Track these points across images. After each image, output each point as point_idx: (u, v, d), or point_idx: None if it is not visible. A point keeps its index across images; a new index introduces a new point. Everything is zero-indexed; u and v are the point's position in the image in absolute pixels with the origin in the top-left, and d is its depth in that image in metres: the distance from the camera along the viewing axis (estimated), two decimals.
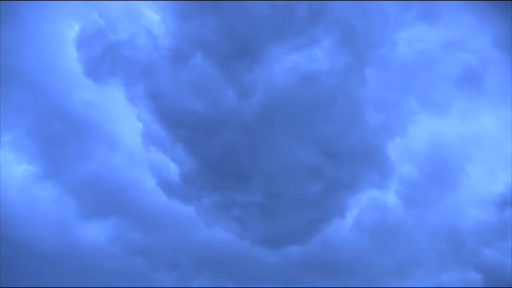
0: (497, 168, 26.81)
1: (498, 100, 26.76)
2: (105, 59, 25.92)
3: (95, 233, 25.69)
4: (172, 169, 26.23)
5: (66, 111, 25.92)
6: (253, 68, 25.10)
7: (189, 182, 25.75)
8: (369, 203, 27.13)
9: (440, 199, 26.78)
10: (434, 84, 27.60)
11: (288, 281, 25.79)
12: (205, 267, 26.20)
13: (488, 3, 24.78)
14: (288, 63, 25.63)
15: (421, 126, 26.82)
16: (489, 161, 26.93)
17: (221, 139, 25.42)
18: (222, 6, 24.79)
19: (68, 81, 26.38)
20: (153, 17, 26.41)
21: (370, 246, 26.23)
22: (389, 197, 26.89)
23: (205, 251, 26.04)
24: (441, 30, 27.09)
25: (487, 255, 24.72)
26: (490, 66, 26.29)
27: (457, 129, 26.58)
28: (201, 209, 25.95)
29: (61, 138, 25.93)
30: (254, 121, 25.17)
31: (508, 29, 25.02)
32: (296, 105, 25.67)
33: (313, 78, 25.33)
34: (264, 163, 25.90)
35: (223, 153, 25.48)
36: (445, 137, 26.72)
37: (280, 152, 25.91)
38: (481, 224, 25.44)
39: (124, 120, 26.99)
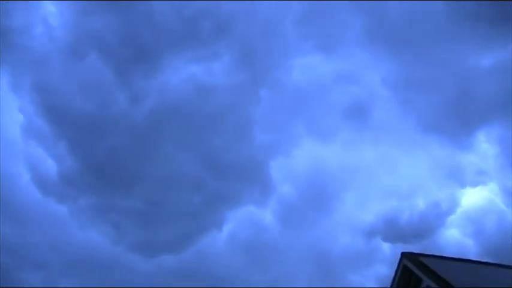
0: (370, 199, 28.28)
1: (380, 135, 28.14)
2: None
3: None
4: (50, 166, 25.39)
5: None
6: (149, 75, 24.88)
7: (67, 181, 24.99)
8: (246, 219, 27.68)
9: (315, 222, 27.62)
10: (323, 112, 28.65)
11: None
12: (75, 269, 25.45)
13: (381, 42, 25.94)
14: (185, 74, 25.56)
15: (305, 150, 27.65)
16: (364, 191, 28.30)
17: (107, 142, 24.88)
18: (128, 8, 24.14)
19: None
20: (51, 8, 25.46)
21: (243, 262, 26.58)
22: (266, 215, 27.49)
23: (76, 253, 25.26)
24: (335, 62, 28.08)
25: (352, 280, 25.37)
26: (377, 102, 27.52)
27: (339, 158, 27.45)
28: (76, 210, 25.29)
29: None
30: (143, 127, 24.93)
31: (397, 70, 26.40)
32: (188, 116, 25.65)
33: (208, 91, 25.44)
34: (149, 170, 25.77)
35: (108, 156, 25.02)
36: (326, 164, 27.44)
37: (166, 160, 25.83)
38: (349, 250, 26.23)
39: (5, 110, 25.60)
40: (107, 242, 25.41)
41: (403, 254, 10.20)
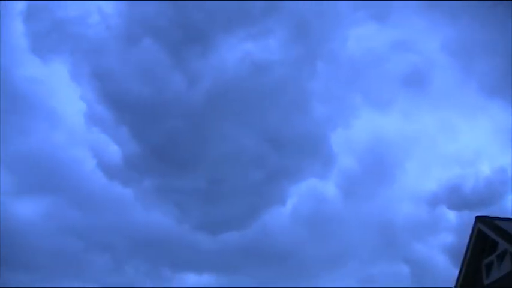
0: (433, 167, 27.89)
1: (440, 102, 27.64)
2: (52, 35, 25.15)
3: (29, 209, 25.13)
4: (114, 151, 25.87)
5: (9, 86, 24.73)
6: (204, 56, 24.97)
7: (131, 165, 25.51)
8: (308, 192, 27.56)
9: (377, 193, 27.32)
10: (380, 82, 28.17)
11: (225, 266, 26.15)
12: (141, 250, 26.01)
13: (438, 9, 25.25)
14: (239, 52, 25.46)
15: (364, 120, 27.28)
16: (426, 160, 27.86)
17: (166, 124, 25.28)
18: None
19: (12, 56, 25.44)
20: None
21: (307, 236, 26.56)
22: (329, 187, 27.30)
23: (142, 234, 25.73)
24: (390, 30, 27.91)
25: (417, 249, 25.19)
26: (436, 69, 27.03)
27: (398, 127, 27.31)
28: (141, 192, 25.79)
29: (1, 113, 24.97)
30: (201, 108, 25.06)
31: (456, 35, 25.67)
32: (245, 93, 25.62)
33: (264, 67, 25.29)
34: (209, 150, 25.94)
35: (168, 138, 25.36)
36: (386, 133, 27.23)
37: (226, 139, 25.92)
38: (413, 220, 25.84)
39: (67, 99, 26.53)
40: (171, 222, 26.01)
41: (477, 218, 10.01)
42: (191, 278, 26.08)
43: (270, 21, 25.14)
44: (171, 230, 25.63)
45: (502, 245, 9.29)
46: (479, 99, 26.95)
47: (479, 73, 25.37)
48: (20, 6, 24.81)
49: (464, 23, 24.82)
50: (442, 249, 24.38)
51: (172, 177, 25.90)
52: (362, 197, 27.50)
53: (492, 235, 9.44)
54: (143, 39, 24.42)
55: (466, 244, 10.23)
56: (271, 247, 26.22)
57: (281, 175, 26.72)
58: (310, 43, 26.00)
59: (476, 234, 9.94)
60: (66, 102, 26.33)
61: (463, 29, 25.17)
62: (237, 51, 25.35)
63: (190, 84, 24.72)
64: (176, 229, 25.73)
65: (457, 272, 10.52)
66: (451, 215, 25.23)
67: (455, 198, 24.69)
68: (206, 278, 26.09)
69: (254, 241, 26.19)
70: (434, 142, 27.28)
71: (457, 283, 10.44)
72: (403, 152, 27.33)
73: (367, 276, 24.81)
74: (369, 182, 27.33)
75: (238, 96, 25.49)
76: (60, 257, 24.25)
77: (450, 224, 24.93)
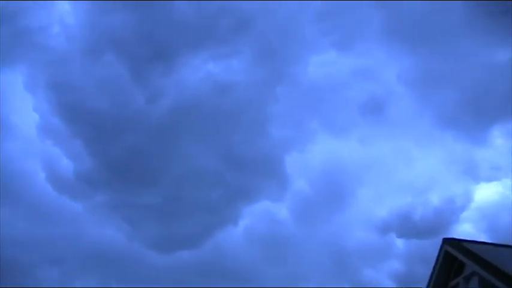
0: (385, 194, 28.32)
1: (396, 131, 28.30)
2: (9, 43, 24.27)
3: None
4: (66, 164, 25.39)
5: None
6: (167, 74, 24.90)
7: (83, 180, 24.98)
8: (262, 214, 27.65)
9: (329, 218, 27.61)
10: (339, 108, 28.71)
11: (176, 285, 25.81)
12: (91, 265, 25.38)
13: (398, 40, 26.02)
14: (203, 72, 25.67)
15: (321, 145, 27.63)
16: (379, 187, 28.36)
17: (124, 140, 24.94)
18: (145, 6, 24.15)
19: None
20: (67, 7, 25.56)
21: (259, 256, 26.52)
22: (282, 210, 27.46)
23: (91, 249, 25.19)
24: (351, 58, 28.27)
25: (366, 274, 25.44)
26: (393, 98, 27.47)
27: (354, 153, 27.49)
28: (92, 207, 25.30)
29: None
30: (160, 125, 24.98)
31: (414, 66, 26.43)
32: (206, 113, 25.70)
33: (226, 88, 25.48)
34: (167, 167, 25.82)
35: (125, 154, 24.99)
36: (342, 159, 27.46)
37: (184, 157, 25.84)
38: (363, 245, 26.17)
39: (20, 109, 25.92)
40: (122, 238, 25.47)
41: (444, 240, 10.19)
42: None
43: (236, 43, 25.45)
44: (122, 246, 25.21)
45: (470, 267, 9.48)
46: (433, 129, 27.41)
47: (434, 104, 26.28)
48: None
49: (422, 54, 25.67)
50: (389, 275, 24.93)
51: (127, 193, 25.47)
52: (315, 221, 27.79)
53: (460, 257, 9.61)
54: (105, 53, 24.29)
55: (431, 267, 10.35)
56: (224, 266, 26.16)
57: (236, 195, 26.83)
58: (274, 67, 26.38)
59: (443, 256, 10.12)
60: (18, 112, 25.57)
61: (421, 60, 25.86)
62: (201, 71, 25.60)
63: (151, 101, 24.68)
64: (127, 245, 25.31)
65: None
66: (400, 243, 25.88)
67: (404, 226, 25.29)
68: None
69: (207, 259, 26.01)
70: (388, 169, 27.91)
71: None
72: (357, 178, 27.85)
73: None
74: (322, 207, 27.62)
75: (198, 115, 25.62)
76: (7, 270, 23.50)
77: (398, 251, 25.56)
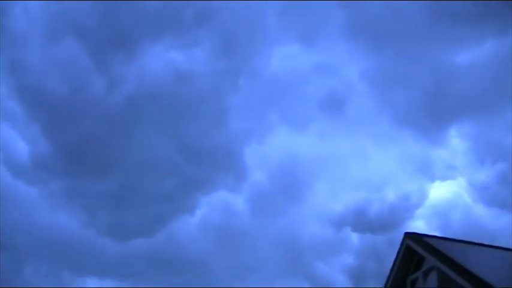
0: (341, 189, 28.78)
1: (354, 128, 28.59)
2: None
3: None
4: (22, 148, 24.89)
5: None
6: (128, 61, 24.46)
7: (39, 164, 24.49)
8: (218, 204, 27.75)
9: (285, 210, 28.04)
10: (299, 102, 29.04)
11: (129, 273, 25.61)
12: (42, 252, 25.02)
13: (362, 39, 26.35)
14: (164, 60, 25.38)
15: (280, 138, 27.93)
16: (335, 182, 28.94)
17: (81, 126, 24.47)
18: None
19: None
20: None
21: (213, 247, 26.59)
22: (239, 201, 27.67)
23: (45, 235, 24.83)
24: (314, 53, 28.53)
25: (319, 268, 25.87)
26: (354, 95, 27.99)
27: (312, 147, 27.81)
28: (47, 193, 24.84)
29: None
30: (119, 113, 24.58)
31: (375, 65, 26.86)
32: (165, 102, 25.43)
33: (187, 77, 25.25)
34: (123, 155, 25.40)
35: (82, 140, 24.53)
36: (300, 153, 27.79)
37: (141, 146, 25.53)
38: (317, 239, 26.63)
39: None
40: (77, 225, 25.03)
41: (406, 234, 10.34)
42: (92, 283, 25.59)
43: (200, 32, 25.21)
44: (76, 233, 24.78)
45: (429, 261, 9.68)
46: (391, 128, 28.09)
47: (393, 103, 26.73)
48: None
49: (384, 54, 25.99)
50: (342, 269, 25.39)
51: (83, 179, 25.12)
52: (270, 213, 28.05)
53: (420, 251, 9.79)
54: (66, 37, 23.63)
55: (392, 261, 10.50)
56: (178, 256, 26.26)
57: (193, 185, 26.74)
58: (236, 58, 26.32)
59: (404, 251, 10.29)
60: None
61: (383, 60, 26.19)
62: (162, 59, 25.32)
63: (110, 87, 24.24)
64: (81, 233, 24.91)
65: None
66: (354, 237, 26.32)
67: (359, 221, 25.78)
68: (108, 283, 25.54)
69: (161, 249, 26.00)
70: (345, 165, 28.30)
71: None
72: (314, 172, 28.28)
73: None
74: (278, 199, 27.85)
75: (158, 103, 25.33)
76: None
77: (352, 246, 26.01)
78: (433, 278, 9.71)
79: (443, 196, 26.57)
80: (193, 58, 25.20)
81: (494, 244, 11.26)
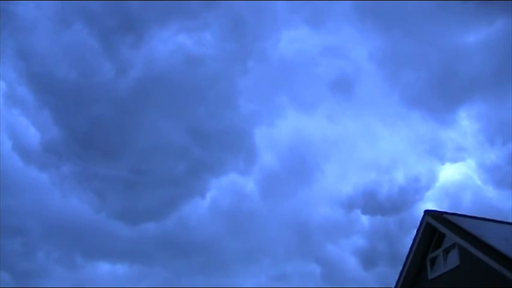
0: (351, 171, 28.74)
1: (363, 109, 28.56)
2: None
3: None
4: (33, 134, 24.99)
5: None
6: (136, 45, 24.37)
7: (50, 150, 24.50)
8: (229, 186, 27.75)
9: (295, 192, 27.98)
10: (308, 84, 28.83)
11: (140, 257, 25.76)
12: (54, 237, 25.23)
13: (370, 20, 26.20)
14: (173, 44, 25.25)
15: (289, 120, 27.81)
16: (345, 164, 28.77)
17: (92, 111, 24.51)
18: None
19: None
20: None
21: (224, 230, 26.73)
22: (249, 183, 27.58)
23: (57, 220, 25.00)
24: (323, 35, 28.35)
25: (329, 250, 25.96)
26: (362, 77, 27.94)
27: (321, 130, 27.85)
28: (58, 178, 24.88)
29: None
30: (128, 97, 24.57)
31: (384, 46, 26.72)
32: (174, 86, 25.40)
33: (195, 61, 25.10)
34: (134, 139, 25.46)
35: (92, 125, 24.61)
36: (309, 135, 27.77)
37: (151, 130, 25.56)
38: (328, 221, 26.62)
39: None
40: (89, 209, 25.16)
41: (426, 211, 10.37)
42: (104, 267, 25.95)
43: (208, 16, 25.09)
44: (87, 217, 24.94)
45: (450, 238, 9.72)
46: (400, 109, 28.07)
47: (402, 84, 26.63)
48: None
49: (393, 35, 25.83)
50: (353, 251, 25.48)
51: (94, 164, 25.03)
52: (280, 196, 28.09)
53: (441, 228, 9.80)
54: (75, 23, 23.67)
55: (412, 239, 10.53)
56: (188, 239, 26.31)
57: (203, 168, 26.76)
58: (244, 41, 26.08)
59: (425, 228, 10.28)
60: None
61: (392, 41, 26.09)
62: (170, 43, 25.20)
63: (119, 72, 24.15)
64: (93, 217, 25.05)
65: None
66: (364, 219, 26.34)
67: (369, 203, 25.76)
68: (119, 267, 25.87)
69: (171, 232, 26.20)
70: (354, 147, 28.22)
71: (400, 276, 10.78)
72: (323, 154, 28.18)
73: (279, 274, 25.53)
74: (288, 181, 27.89)
75: (167, 87, 25.33)
76: None
77: (362, 228, 26.05)
78: (454, 255, 9.73)
79: (453, 178, 26.62)
80: (202, 41, 25.12)
81: None
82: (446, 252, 10.03)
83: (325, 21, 27.00)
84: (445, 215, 10.11)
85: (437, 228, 10.03)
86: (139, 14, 23.78)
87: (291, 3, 25.30)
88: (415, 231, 10.48)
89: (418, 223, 10.43)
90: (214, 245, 26.08)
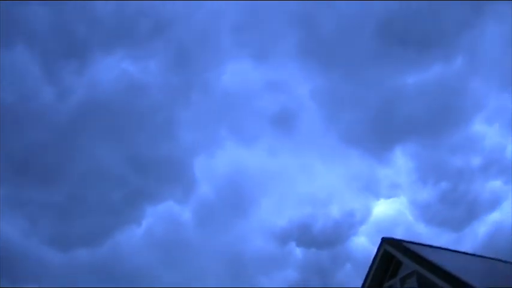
0: (287, 205, 29.12)
1: (303, 144, 29.13)
2: None
3: None
4: None
5: None
6: (80, 71, 24.22)
7: None
8: (164, 215, 27.69)
9: (231, 224, 28.00)
10: (249, 117, 29.30)
11: (70, 283, 24.82)
12: None
13: (314, 59, 26.93)
14: (117, 71, 25.24)
15: (228, 152, 28.17)
16: (281, 197, 29.27)
17: (29, 135, 23.86)
18: (63, 1, 23.29)
19: None
20: None
21: (157, 258, 26.26)
22: (185, 213, 27.82)
23: None
24: (266, 71, 29.14)
25: (262, 282, 25.97)
26: (303, 113, 28.78)
27: (260, 162, 28.25)
28: None
29: None
30: (68, 122, 24.21)
31: (326, 85, 27.56)
32: (115, 113, 25.14)
33: (137, 89, 25.27)
34: (72, 165, 24.86)
35: (29, 149, 23.82)
36: (247, 167, 28.17)
37: (89, 156, 25.10)
38: (262, 254, 26.87)
39: None
40: (19, 235, 24.30)
41: (383, 239, 10.52)
42: None
43: (153, 45, 25.42)
44: (17, 242, 23.90)
45: (407, 266, 9.89)
46: (339, 146, 28.81)
47: (342, 123, 27.54)
48: None
49: (335, 75, 26.85)
50: (285, 283, 25.60)
51: (28, 189, 24.27)
52: (216, 226, 27.96)
53: (399, 256, 9.98)
54: (17, 44, 23.30)
55: (369, 265, 10.66)
56: (122, 267, 25.71)
57: (140, 196, 26.50)
58: (189, 71, 26.56)
59: (381, 256, 10.45)
60: None
61: (333, 80, 27.08)
62: (115, 70, 25.19)
63: (60, 97, 23.97)
64: (23, 242, 24.17)
65: None
66: (298, 252, 26.70)
67: (304, 236, 26.18)
68: None
69: (105, 259, 25.56)
70: (292, 181, 28.94)
71: None
72: (261, 187, 28.61)
73: None
74: (225, 212, 27.95)
75: (108, 114, 25.02)
76: None
77: (297, 260, 26.34)
78: (412, 283, 9.87)
79: (386, 213, 27.61)
80: (146, 70, 25.38)
81: None
82: (403, 280, 10.13)
83: (269, 57, 27.86)
84: (403, 243, 10.32)
85: (395, 256, 10.18)
86: (85, 39, 23.66)
87: (236, 36, 25.92)
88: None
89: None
90: (146, 274, 25.44)
